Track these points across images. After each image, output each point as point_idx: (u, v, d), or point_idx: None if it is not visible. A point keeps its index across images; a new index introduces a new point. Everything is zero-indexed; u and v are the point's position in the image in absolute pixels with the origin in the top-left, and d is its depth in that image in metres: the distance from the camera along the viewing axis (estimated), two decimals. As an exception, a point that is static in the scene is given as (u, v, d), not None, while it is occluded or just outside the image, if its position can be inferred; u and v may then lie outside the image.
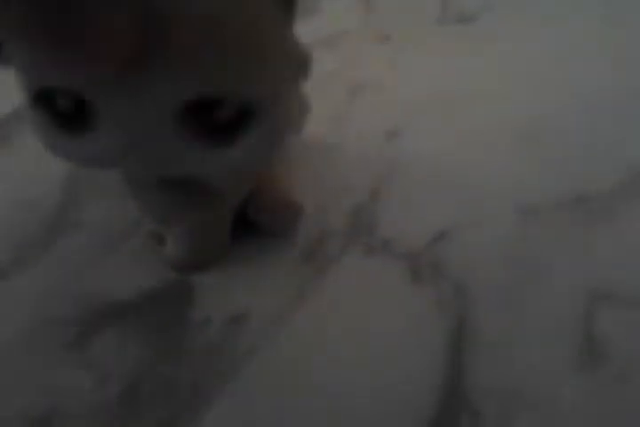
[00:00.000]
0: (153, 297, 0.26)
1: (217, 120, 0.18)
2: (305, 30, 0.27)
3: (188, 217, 0.24)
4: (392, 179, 0.32)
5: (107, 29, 0.15)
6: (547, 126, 0.35)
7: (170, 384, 0.23)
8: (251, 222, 0.28)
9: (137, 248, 0.28)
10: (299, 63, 0.20)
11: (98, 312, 0.25)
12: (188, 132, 0.18)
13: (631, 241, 0.29)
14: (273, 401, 0.23)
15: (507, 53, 0.40)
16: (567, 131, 0.35)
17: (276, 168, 0.28)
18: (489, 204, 0.31)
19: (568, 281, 0.28)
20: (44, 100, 0.18)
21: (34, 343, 0.24)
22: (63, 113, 0.18)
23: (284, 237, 0.29)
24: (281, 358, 0.25)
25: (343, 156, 0.33)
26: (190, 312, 0.26)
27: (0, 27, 0.15)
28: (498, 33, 0.42)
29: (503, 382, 0.24)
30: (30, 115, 0.19)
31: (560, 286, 0.28)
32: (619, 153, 0.33)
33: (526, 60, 0.40)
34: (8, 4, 0.14)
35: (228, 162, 0.19)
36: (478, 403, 0.24)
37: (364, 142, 0.34)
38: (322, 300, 0.27)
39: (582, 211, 0.31)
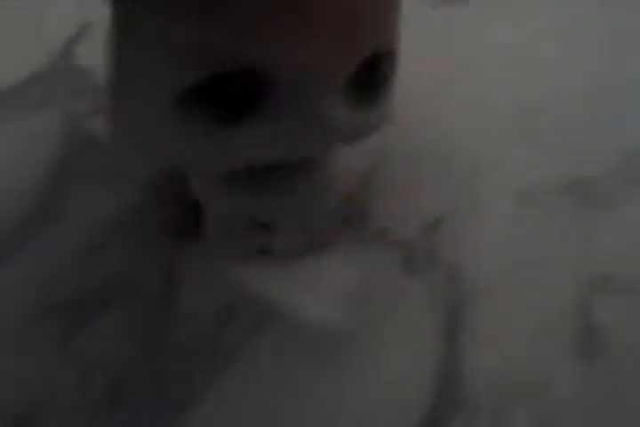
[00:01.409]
0: (139, 290, 0.25)
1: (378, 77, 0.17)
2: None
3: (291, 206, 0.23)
4: (384, 165, 0.31)
5: None
6: (545, 110, 0.34)
7: (156, 379, 0.23)
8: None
9: (123, 241, 0.27)
10: None
11: (82, 307, 0.25)
12: (358, 93, 0.17)
13: (630, 227, 0.29)
14: (262, 396, 0.23)
15: (503, 36, 0.39)
16: (565, 115, 0.34)
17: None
18: (486, 190, 0.30)
19: (566, 268, 0.27)
20: (199, 94, 0.15)
21: (16, 340, 0.24)
22: (231, 100, 0.16)
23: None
24: (270, 352, 0.24)
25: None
26: (178, 305, 0.25)
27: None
28: (493, 16, 0.41)
29: (499, 371, 0.24)
30: (170, 123, 0.16)
31: (558, 272, 0.27)
32: (618, 137, 0.33)
33: (523, 43, 0.39)
34: None
35: (375, 121, 0.19)
36: (474, 393, 0.23)
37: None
38: (314, 288, 0.26)
39: (581, 196, 0.30)
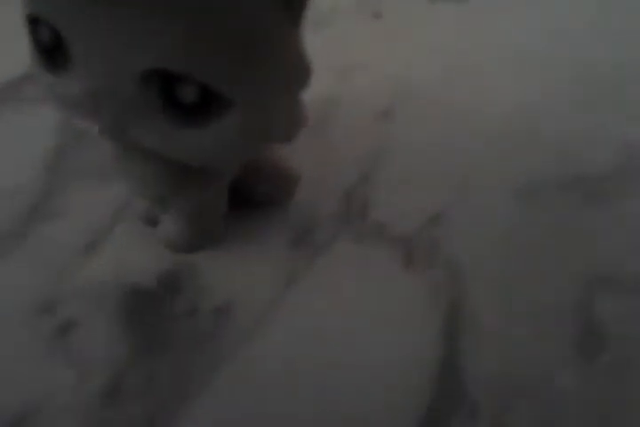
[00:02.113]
0: (135, 288, 0.25)
1: (180, 98, 0.17)
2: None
3: (185, 193, 0.22)
4: (384, 161, 0.31)
5: None
6: (545, 108, 0.34)
7: (153, 379, 0.22)
8: (241, 203, 0.27)
9: (120, 239, 0.27)
10: (296, 73, 0.19)
11: (79, 304, 0.24)
12: (152, 99, 0.17)
13: (631, 224, 0.28)
14: (258, 395, 0.23)
15: (501, 31, 0.39)
16: (565, 112, 0.34)
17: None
18: (487, 187, 0.30)
19: (567, 265, 0.27)
20: (31, 29, 0.17)
21: (13, 339, 0.23)
22: (45, 45, 0.17)
23: (281, 205, 0.28)
24: (268, 349, 0.24)
25: (333, 139, 0.32)
26: (175, 303, 0.25)
27: None
28: (490, 10, 0.41)
29: (500, 368, 0.24)
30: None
31: (559, 270, 0.27)
32: (618, 135, 0.32)
33: (521, 38, 0.39)
34: None
35: (189, 143, 0.18)
36: (475, 390, 0.23)
37: (355, 125, 0.33)
38: (312, 287, 0.26)
39: (581, 193, 0.30)
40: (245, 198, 0.27)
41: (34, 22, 0.17)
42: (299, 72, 0.19)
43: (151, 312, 0.24)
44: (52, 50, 0.17)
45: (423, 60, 0.37)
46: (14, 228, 0.27)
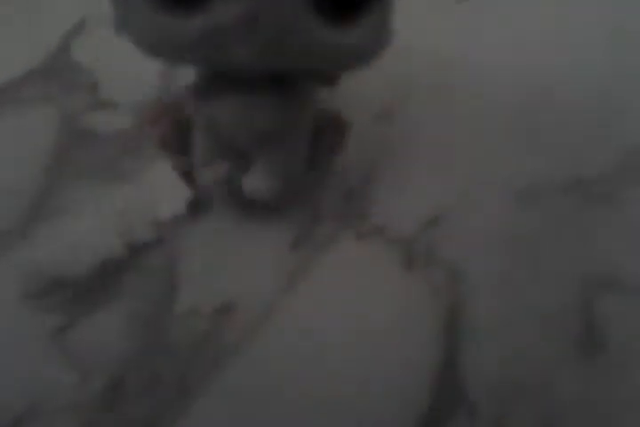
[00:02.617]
0: (138, 287, 0.25)
1: None
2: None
3: (288, 127, 0.23)
4: (386, 162, 0.31)
5: None
6: (545, 110, 0.34)
7: (154, 379, 0.23)
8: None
9: (121, 236, 0.27)
10: None
11: (81, 303, 0.24)
12: (313, 4, 0.17)
13: (631, 226, 0.28)
14: (259, 395, 0.23)
15: (504, 32, 0.39)
16: (565, 114, 0.34)
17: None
18: (487, 188, 0.30)
19: (567, 265, 0.27)
20: None
21: (16, 336, 0.23)
22: None
23: (338, 153, 0.28)
24: (269, 350, 0.24)
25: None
26: (176, 303, 0.25)
27: None
28: (493, 9, 0.41)
29: (499, 369, 0.24)
30: (141, 10, 0.18)
31: (559, 271, 0.27)
32: (618, 137, 0.32)
33: (521, 39, 0.38)
34: None
35: (349, 43, 0.18)
36: (474, 391, 0.23)
37: (357, 123, 0.33)
38: (312, 287, 0.26)
39: (582, 195, 0.30)
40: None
41: None
42: None
43: (152, 311, 0.24)
44: None
45: (424, 58, 0.37)
46: (14, 226, 0.27)
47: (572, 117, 0.33)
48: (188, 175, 0.26)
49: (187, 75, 0.22)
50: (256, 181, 0.25)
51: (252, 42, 0.17)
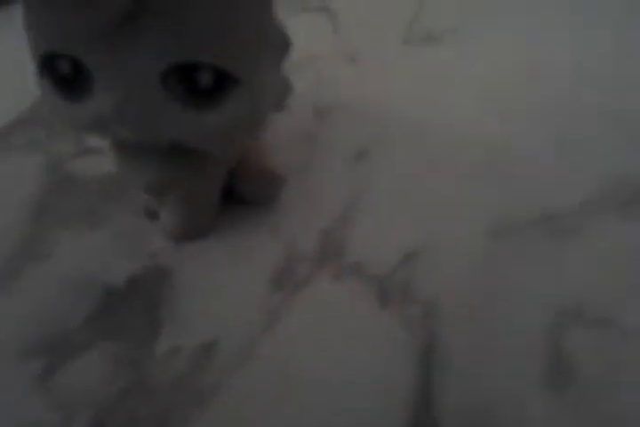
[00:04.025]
0: (119, 329, 0.26)
1: (197, 85, 0.20)
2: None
3: (179, 182, 0.25)
4: (361, 200, 0.32)
5: None
6: (515, 149, 0.36)
7: (136, 420, 0.23)
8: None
9: (103, 280, 0.28)
10: (279, 44, 0.22)
11: (65, 345, 0.25)
12: (171, 94, 0.20)
13: (600, 258, 0.30)
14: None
15: (475, 75, 0.41)
16: (536, 150, 0.35)
17: (259, 143, 0.31)
18: (458, 224, 0.31)
19: (538, 298, 0.28)
20: (48, 65, 0.20)
21: (1, 379, 0.24)
22: (64, 78, 0.20)
23: (266, 205, 0.31)
24: (248, 388, 0.24)
25: (311, 178, 0.33)
26: (158, 342, 0.25)
27: None
28: (464, 54, 0.43)
29: (472, 401, 0.24)
30: (39, 83, 0.21)
31: (530, 303, 0.28)
32: (586, 170, 0.34)
33: (495, 81, 0.41)
34: None
35: (209, 125, 0.21)
36: (447, 423, 0.24)
37: (333, 164, 0.34)
38: (292, 325, 0.27)
39: (551, 228, 0.31)
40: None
41: (50, 59, 0.20)
42: (283, 42, 0.22)
43: (134, 351, 0.25)
44: (70, 80, 0.20)
45: (399, 100, 0.39)
46: (2, 268, 0.28)
47: (542, 154, 0.35)
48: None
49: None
50: (166, 219, 0.29)
51: (125, 124, 0.21)
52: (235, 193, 0.30)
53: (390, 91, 0.40)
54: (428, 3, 0.50)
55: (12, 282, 0.27)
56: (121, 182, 0.32)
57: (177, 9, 0.18)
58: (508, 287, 0.28)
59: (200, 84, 0.20)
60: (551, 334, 0.27)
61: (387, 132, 0.37)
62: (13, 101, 0.38)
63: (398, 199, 0.32)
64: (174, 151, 0.24)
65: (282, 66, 0.24)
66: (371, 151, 0.35)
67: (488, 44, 0.45)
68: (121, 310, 0.26)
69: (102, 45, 0.18)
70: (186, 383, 0.24)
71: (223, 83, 0.20)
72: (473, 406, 0.24)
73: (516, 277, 0.29)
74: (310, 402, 0.24)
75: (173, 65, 0.19)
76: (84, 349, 0.25)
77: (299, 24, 0.44)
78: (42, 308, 0.26)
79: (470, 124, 0.37)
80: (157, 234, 0.30)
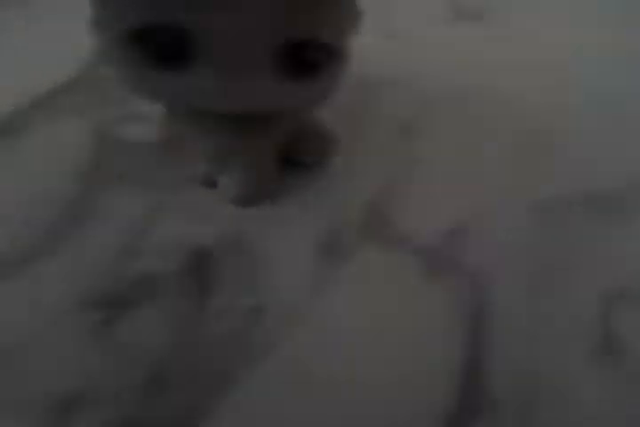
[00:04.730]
0: (173, 285, 0.26)
1: (305, 59, 0.21)
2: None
3: (247, 148, 0.27)
4: (407, 173, 0.32)
5: None
6: (559, 125, 0.36)
7: (191, 370, 0.23)
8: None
9: (155, 240, 0.28)
10: (356, 13, 0.23)
11: (121, 300, 0.25)
12: (278, 67, 0.21)
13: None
14: (288, 391, 0.24)
15: (518, 51, 0.41)
16: (580, 129, 0.35)
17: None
18: (503, 201, 0.31)
19: (584, 279, 0.28)
20: (141, 38, 0.20)
21: (62, 329, 0.24)
22: (162, 50, 0.20)
23: (319, 165, 0.32)
24: (299, 349, 0.25)
25: (358, 151, 0.33)
26: (210, 301, 0.26)
27: None
28: (508, 30, 0.43)
29: (520, 370, 0.25)
30: (116, 55, 0.21)
31: (576, 284, 0.28)
32: (632, 151, 0.34)
33: (539, 59, 0.41)
34: None
35: (308, 94, 0.23)
36: (498, 391, 0.24)
37: (379, 137, 0.35)
38: (339, 292, 0.27)
39: (596, 209, 0.31)
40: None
41: (148, 30, 0.19)
42: (359, 13, 0.23)
43: (189, 308, 0.25)
44: (170, 52, 0.20)
45: (444, 75, 0.39)
46: (55, 229, 0.28)
47: (586, 132, 0.35)
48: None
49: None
50: (226, 185, 0.29)
51: (225, 96, 0.21)
52: (289, 158, 0.30)
53: (433, 66, 0.40)
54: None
55: (67, 239, 0.28)
56: (167, 148, 0.33)
57: None
58: (553, 264, 0.29)
59: (308, 58, 0.21)
60: (599, 314, 0.27)
61: (431, 107, 0.37)
62: (58, 67, 0.38)
63: (444, 173, 0.33)
64: (243, 118, 0.24)
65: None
66: (416, 125, 0.36)
67: (531, 22, 0.45)
68: (174, 270, 0.27)
69: (216, 18, 0.19)
70: (237, 341, 0.25)
71: (323, 55, 0.22)
72: (521, 375, 0.25)
73: (562, 256, 0.29)
74: (357, 364, 0.25)
75: (288, 42, 0.20)
76: (141, 304, 0.25)
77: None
78: (97, 265, 0.27)
79: (516, 100, 0.37)
80: (209, 200, 0.30)
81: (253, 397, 0.23)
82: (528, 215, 0.31)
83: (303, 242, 0.29)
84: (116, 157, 0.32)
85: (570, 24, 0.45)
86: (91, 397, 0.22)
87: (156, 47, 0.20)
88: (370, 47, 0.38)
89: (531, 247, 0.29)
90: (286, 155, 0.30)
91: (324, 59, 0.22)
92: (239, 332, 0.25)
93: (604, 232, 0.30)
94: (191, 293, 0.26)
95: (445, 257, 0.29)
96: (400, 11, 0.45)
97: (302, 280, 0.27)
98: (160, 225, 0.29)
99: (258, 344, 0.25)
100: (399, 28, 0.43)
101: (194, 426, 0.22)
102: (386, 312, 0.26)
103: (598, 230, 0.30)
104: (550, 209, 0.31)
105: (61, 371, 0.23)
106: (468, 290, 0.27)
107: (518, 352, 0.25)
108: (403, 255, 0.29)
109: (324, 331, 0.26)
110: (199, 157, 0.29)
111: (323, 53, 0.22)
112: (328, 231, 0.29)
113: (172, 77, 0.21)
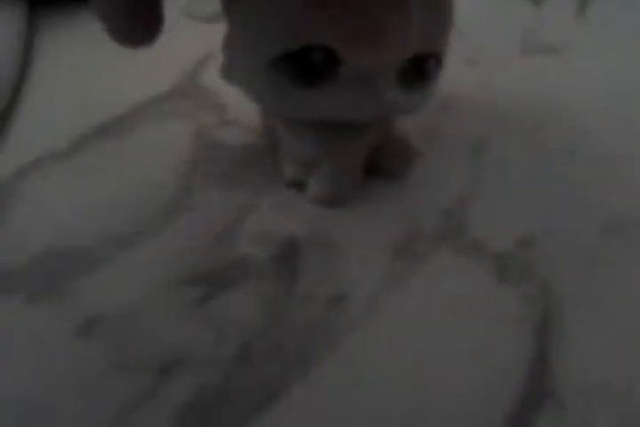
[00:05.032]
0: (263, 271, 0.29)
1: (424, 71, 0.24)
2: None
3: (339, 152, 0.29)
4: (481, 187, 0.34)
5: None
6: (635, 150, 0.37)
7: (276, 348, 0.26)
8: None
9: (249, 227, 0.31)
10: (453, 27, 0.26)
11: (218, 279, 0.28)
12: (403, 80, 0.24)
13: None
14: (365, 372, 0.26)
15: (593, 85, 0.43)
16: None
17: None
18: (574, 216, 0.33)
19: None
20: (297, 57, 0.22)
21: (161, 303, 0.27)
22: (312, 69, 0.22)
23: (400, 177, 0.34)
24: (375, 339, 0.27)
25: (433, 165, 0.36)
26: (296, 289, 0.28)
27: None
28: (582, 64, 0.45)
29: (588, 376, 0.26)
30: (262, 77, 0.23)
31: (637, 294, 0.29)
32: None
33: (617, 83, 0.42)
34: None
35: (420, 102, 0.26)
36: (562, 387, 0.25)
37: (454, 153, 0.37)
38: (412, 292, 0.29)
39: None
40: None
41: (302, 52, 0.22)
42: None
43: (275, 291, 0.28)
44: (318, 70, 0.22)
45: (519, 96, 0.41)
46: (160, 214, 0.31)
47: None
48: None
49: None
50: (314, 187, 0.31)
51: (360, 110, 0.25)
52: (371, 166, 0.33)
53: (509, 89, 0.42)
54: (546, 14, 0.52)
55: (170, 224, 0.31)
56: (260, 152, 0.36)
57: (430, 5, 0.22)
58: (621, 279, 0.30)
59: (426, 69, 0.24)
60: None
61: (505, 127, 0.39)
62: (164, 76, 0.42)
63: (517, 188, 0.34)
64: (343, 126, 0.27)
65: None
66: (490, 143, 0.37)
67: (607, 57, 0.46)
68: (264, 258, 0.29)
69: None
70: (319, 326, 0.27)
71: (437, 66, 0.25)
72: (588, 380, 0.26)
73: (628, 273, 0.30)
74: (428, 356, 0.26)
75: (414, 56, 0.23)
76: (235, 285, 0.28)
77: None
78: (198, 249, 0.30)
79: (589, 124, 0.39)
80: (297, 199, 0.33)
81: (328, 378, 0.25)
82: (597, 232, 0.32)
83: (381, 243, 0.31)
84: (214, 158, 0.36)
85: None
86: (188, 363, 0.25)
87: (307, 67, 0.22)
88: (451, 71, 0.40)
89: (599, 261, 0.30)
90: (371, 162, 0.32)
91: (436, 69, 0.25)
92: (321, 317, 0.27)
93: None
94: (279, 279, 0.28)
95: (516, 265, 0.30)
96: (477, 39, 0.48)
97: (378, 277, 0.29)
98: (253, 218, 0.31)
99: (337, 330, 0.27)
100: (476, 53, 0.46)
101: (275, 395, 0.24)
102: (457, 313, 0.28)
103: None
104: (619, 228, 0.32)
105: (163, 338, 0.26)
106: (537, 297, 0.29)
107: (585, 357, 0.26)
108: (475, 261, 0.30)
109: (398, 326, 0.27)
110: (290, 160, 0.32)
111: (437, 64, 0.25)
112: (405, 235, 0.31)
113: (314, 94, 0.23)
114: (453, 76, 0.42)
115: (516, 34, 0.50)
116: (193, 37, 0.45)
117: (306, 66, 0.22)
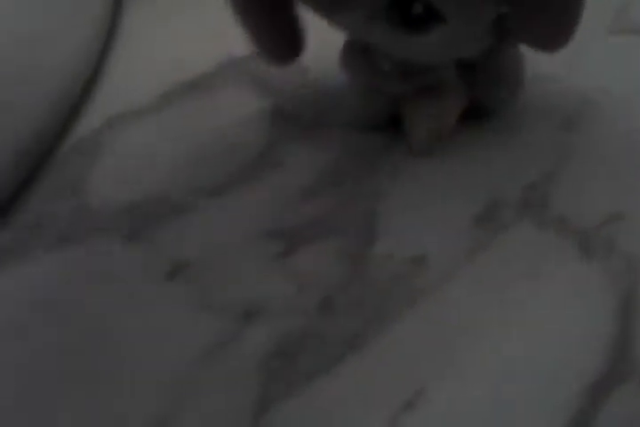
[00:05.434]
0: (346, 230, 0.29)
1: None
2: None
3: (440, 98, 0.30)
4: (568, 163, 0.33)
5: None
6: None
7: (357, 302, 0.26)
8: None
9: (334, 188, 0.31)
10: None
11: (298, 234, 0.29)
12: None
13: None
14: (438, 332, 0.26)
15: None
16: None
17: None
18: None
19: None
20: (400, 7, 0.23)
21: (246, 254, 0.28)
22: (413, 17, 0.24)
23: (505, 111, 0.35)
24: (454, 301, 0.27)
25: (519, 139, 0.35)
26: (374, 248, 0.28)
27: None
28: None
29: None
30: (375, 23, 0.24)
31: None
32: None
33: None
34: None
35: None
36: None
37: (541, 130, 0.36)
38: (491, 260, 0.29)
39: None
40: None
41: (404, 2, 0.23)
42: None
43: (354, 251, 0.28)
44: (419, 19, 0.24)
45: (606, 75, 0.39)
46: (248, 169, 0.32)
47: None
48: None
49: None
50: (412, 133, 0.32)
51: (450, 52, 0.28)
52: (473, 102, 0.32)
53: (596, 67, 0.40)
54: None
55: (256, 182, 0.31)
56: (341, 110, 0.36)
57: None
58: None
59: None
60: None
61: (593, 106, 0.37)
62: (213, 52, 0.42)
63: (603, 168, 0.33)
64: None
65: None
66: (576, 119, 0.36)
67: None
68: (344, 215, 0.30)
69: None
70: (398, 284, 0.27)
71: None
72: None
73: None
74: (502, 332, 0.26)
75: None
76: (315, 240, 0.28)
77: None
78: (282, 204, 0.30)
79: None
80: (381, 158, 0.33)
81: (406, 334, 0.25)
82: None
83: (463, 209, 0.31)
84: (296, 116, 0.36)
85: None
86: (270, 311, 0.26)
87: (408, 15, 0.24)
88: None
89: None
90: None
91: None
92: (401, 276, 0.27)
93: None
94: (361, 237, 0.29)
95: (601, 242, 0.29)
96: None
97: (459, 242, 0.29)
98: (343, 177, 0.32)
99: (416, 290, 0.27)
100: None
101: (356, 346, 0.25)
102: (537, 285, 0.28)
103: None
104: None
105: (246, 285, 0.26)
106: (622, 273, 0.28)
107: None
108: (558, 235, 0.30)
109: (476, 292, 0.27)
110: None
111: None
112: (486, 205, 0.31)
113: (416, 39, 0.25)
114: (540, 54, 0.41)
115: (607, 13, 0.48)
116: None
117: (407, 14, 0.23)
